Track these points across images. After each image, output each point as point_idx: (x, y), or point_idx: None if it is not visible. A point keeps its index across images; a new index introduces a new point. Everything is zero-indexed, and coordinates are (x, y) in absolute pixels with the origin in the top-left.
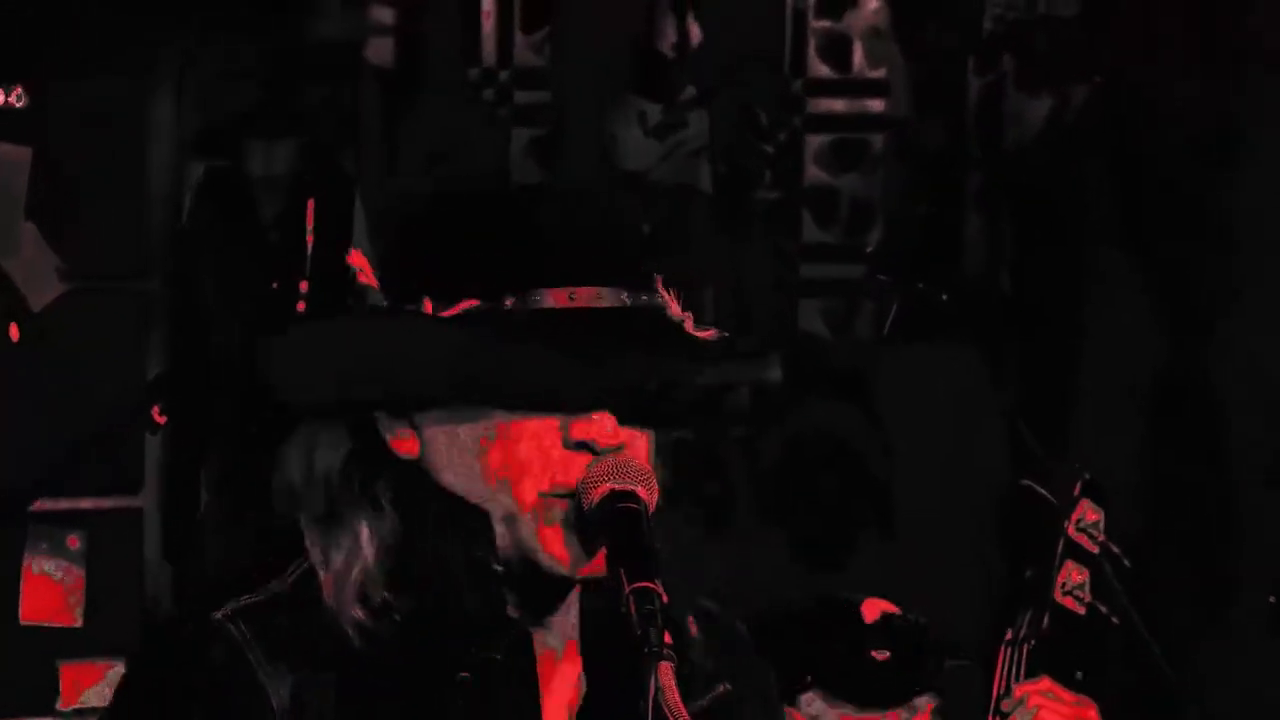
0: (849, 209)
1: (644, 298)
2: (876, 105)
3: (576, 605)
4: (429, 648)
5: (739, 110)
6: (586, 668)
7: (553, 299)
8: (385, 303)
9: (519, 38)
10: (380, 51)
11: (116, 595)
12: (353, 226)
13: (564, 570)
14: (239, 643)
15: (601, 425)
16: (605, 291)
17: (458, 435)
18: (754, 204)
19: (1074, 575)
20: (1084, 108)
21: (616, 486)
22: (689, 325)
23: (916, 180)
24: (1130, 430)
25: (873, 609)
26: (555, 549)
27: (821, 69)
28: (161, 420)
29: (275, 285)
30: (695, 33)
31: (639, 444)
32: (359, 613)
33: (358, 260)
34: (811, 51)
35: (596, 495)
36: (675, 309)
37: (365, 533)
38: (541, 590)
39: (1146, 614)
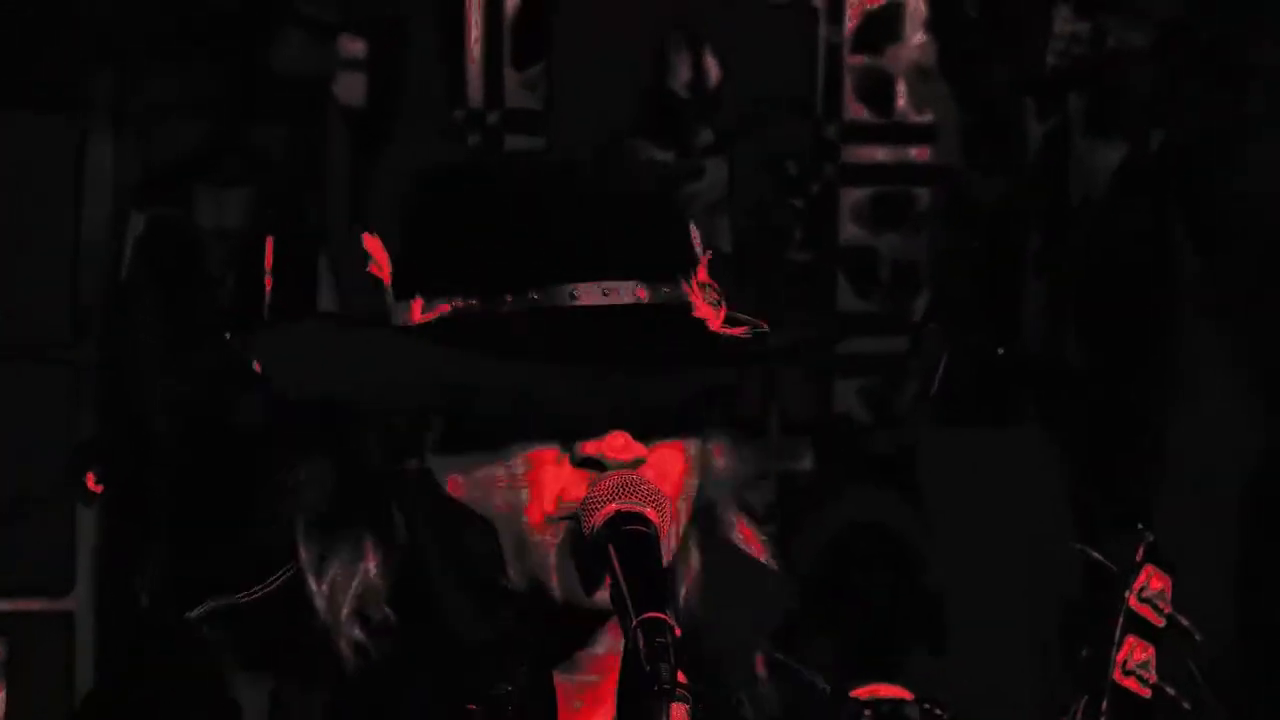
0: (890, 273)
1: (664, 290)
2: (922, 154)
3: (607, 641)
4: (434, 674)
5: (764, 158)
6: (620, 713)
7: (559, 296)
8: (394, 300)
9: (510, 74)
10: (350, 88)
11: (43, 717)
12: (317, 284)
13: (581, 600)
14: (211, 647)
15: (612, 438)
16: (620, 286)
17: (464, 449)
18: (781, 267)
19: (1137, 653)
20: (1162, 154)
21: (622, 508)
22: (715, 323)
23: (968, 240)
24: (1218, 524)
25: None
26: (568, 577)
27: (859, 111)
28: (98, 490)
29: (228, 335)
30: (713, 69)
31: (667, 456)
32: (357, 630)
33: (372, 247)
34: (847, 91)
35: (600, 518)
36: (701, 305)
37: (369, 545)
38: (560, 624)
39: (1224, 698)
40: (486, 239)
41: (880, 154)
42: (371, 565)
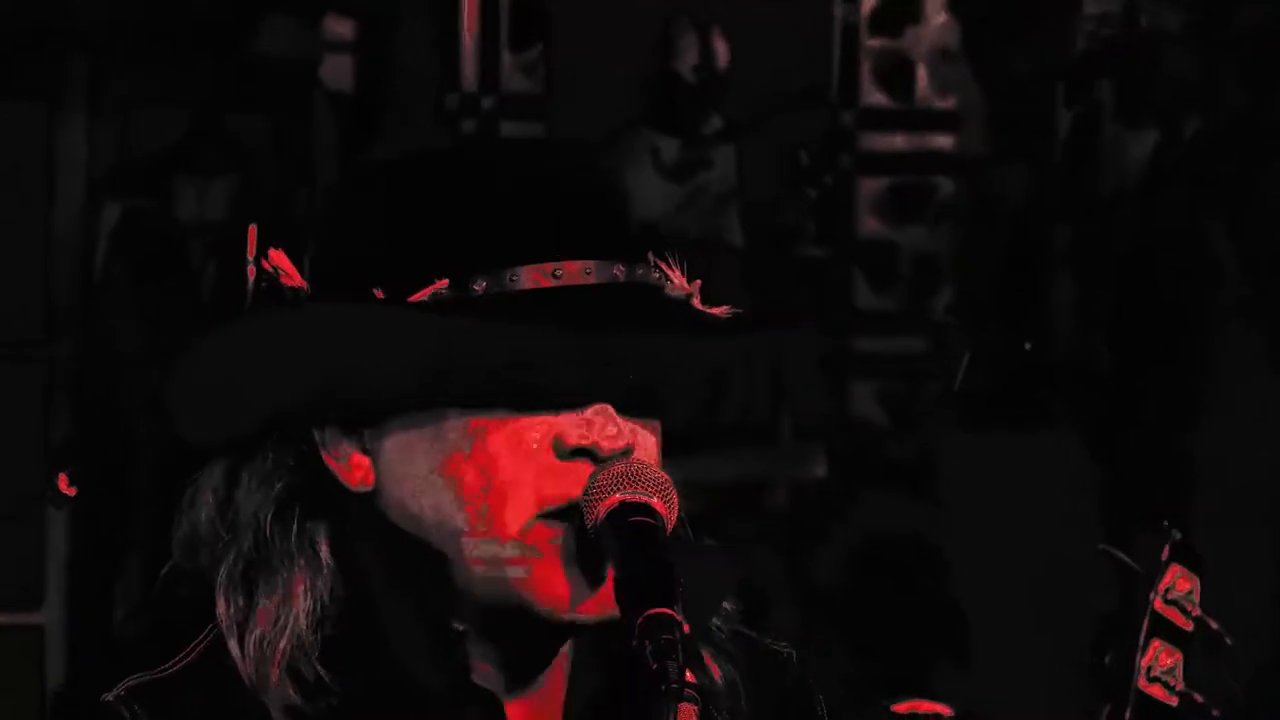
0: (911, 268)
1: (639, 271)
2: (944, 142)
3: (568, 661)
4: None
5: (776, 146)
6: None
7: (532, 278)
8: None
9: (507, 57)
10: (338, 72)
11: None
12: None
13: (563, 613)
14: None
15: (603, 425)
16: (594, 266)
17: (421, 454)
18: (794, 262)
19: (1162, 658)
20: (1197, 142)
21: (627, 498)
22: (696, 300)
23: (993, 233)
24: (1256, 530)
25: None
26: (551, 587)
27: (877, 97)
28: (71, 492)
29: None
30: (722, 51)
31: (646, 440)
32: (290, 692)
33: (279, 260)
34: (865, 76)
35: (603, 509)
36: (680, 281)
37: (299, 590)
38: (531, 645)
39: (1262, 709)
40: (464, 221)
41: (899, 142)
42: (301, 614)
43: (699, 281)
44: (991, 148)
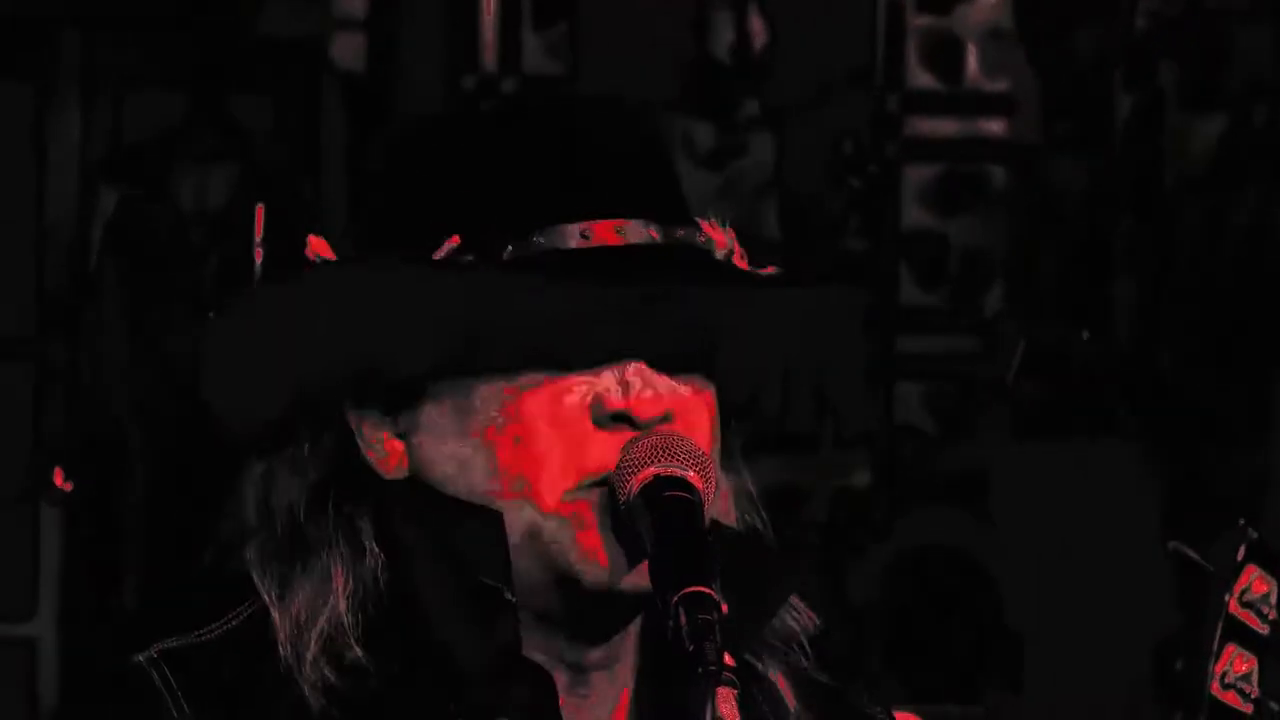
0: (960, 263)
1: (679, 232)
2: (996, 127)
3: (622, 663)
4: (419, 711)
5: (816, 132)
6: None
7: (563, 238)
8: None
9: (529, 36)
10: (348, 51)
11: None
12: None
13: (605, 584)
14: (161, 694)
15: (640, 388)
16: (630, 226)
17: (454, 431)
18: (835, 255)
19: (1237, 664)
20: (1267, 129)
21: (661, 472)
22: (739, 259)
23: (1047, 226)
24: None
25: None
26: (594, 557)
27: (924, 80)
28: (67, 487)
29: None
30: (760, 32)
31: (693, 406)
32: (325, 671)
33: (320, 248)
34: (911, 57)
35: (636, 483)
36: (723, 240)
37: (339, 573)
38: (580, 621)
39: None
40: (492, 181)
41: (948, 128)
42: (340, 596)
43: (743, 248)
44: (1046, 134)
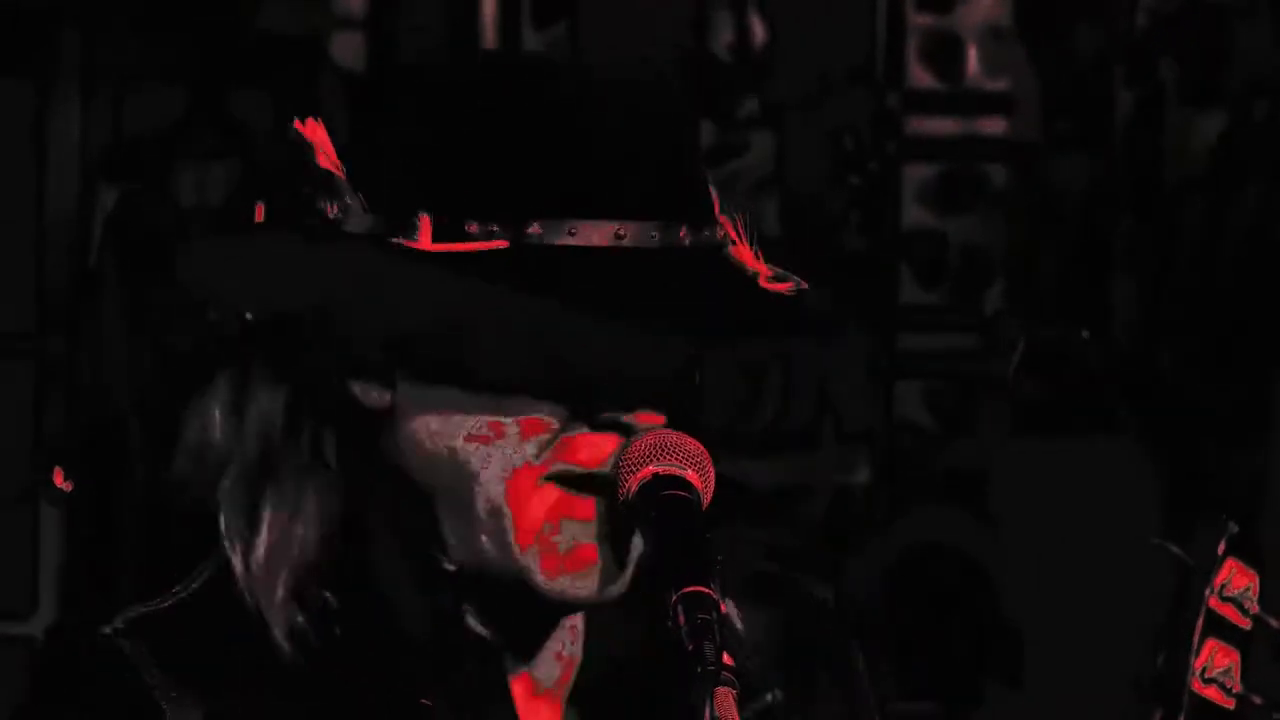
0: (960, 261)
1: (705, 234)
2: (996, 126)
3: (568, 638)
4: (382, 663)
5: (816, 131)
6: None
7: (591, 235)
8: (365, 210)
9: (529, 34)
10: (347, 50)
11: None
12: None
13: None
14: (132, 662)
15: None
16: (657, 227)
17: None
18: (836, 254)
19: (1218, 658)
20: (1269, 127)
21: (660, 471)
22: (763, 279)
23: (1048, 225)
24: None
25: None
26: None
27: (924, 78)
28: (67, 487)
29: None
30: (759, 30)
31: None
32: (294, 610)
33: (314, 134)
34: (911, 55)
35: (635, 482)
36: (748, 256)
37: (312, 503)
38: (527, 613)
39: None
40: (524, 156)
41: (948, 127)
42: (312, 529)
43: (764, 266)
44: (1046, 133)
